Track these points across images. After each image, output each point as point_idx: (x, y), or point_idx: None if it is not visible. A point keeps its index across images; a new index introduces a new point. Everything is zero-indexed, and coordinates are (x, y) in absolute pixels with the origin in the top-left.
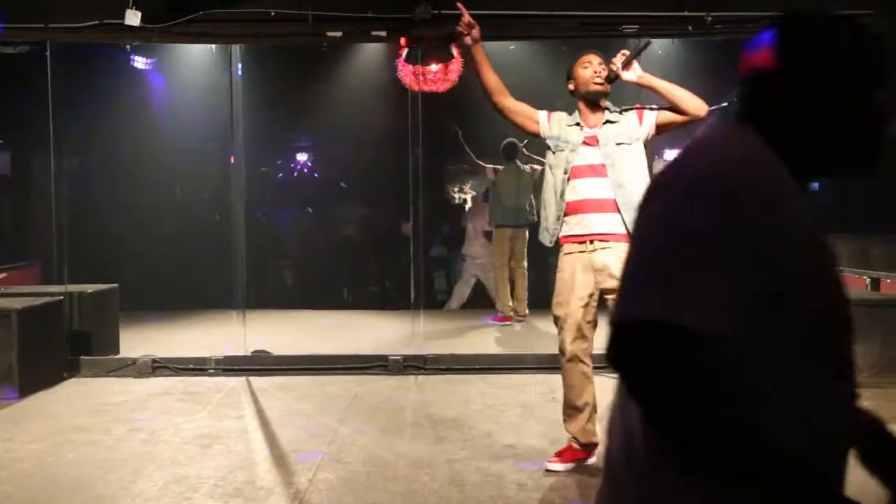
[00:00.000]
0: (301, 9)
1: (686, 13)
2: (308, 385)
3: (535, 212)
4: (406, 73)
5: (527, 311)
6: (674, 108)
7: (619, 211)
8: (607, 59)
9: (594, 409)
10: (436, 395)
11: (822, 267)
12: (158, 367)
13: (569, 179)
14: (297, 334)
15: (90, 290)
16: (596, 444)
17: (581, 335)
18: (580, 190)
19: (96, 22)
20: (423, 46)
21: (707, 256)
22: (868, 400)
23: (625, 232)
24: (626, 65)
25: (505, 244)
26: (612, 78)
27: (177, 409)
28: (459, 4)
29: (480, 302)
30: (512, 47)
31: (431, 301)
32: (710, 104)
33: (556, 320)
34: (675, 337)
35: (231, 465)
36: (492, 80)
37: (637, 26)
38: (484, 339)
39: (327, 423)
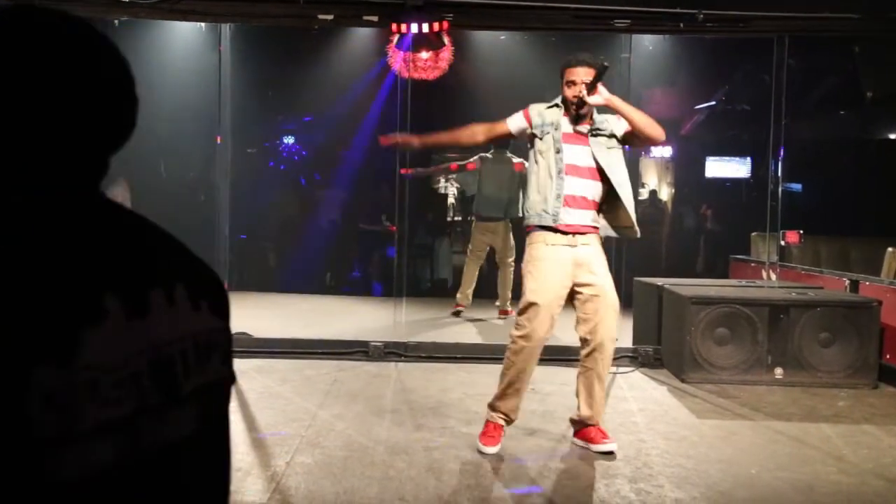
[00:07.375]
0: None
1: (678, 10)
2: (288, 368)
3: (520, 207)
4: (396, 59)
5: (508, 308)
6: (634, 131)
7: (599, 210)
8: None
9: None
10: (415, 382)
11: None
12: None
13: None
14: (278, 317)
15: None
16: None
17: (551, 325)
18: (571, 186)
19: None
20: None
21: None
22: (843, 400)
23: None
24: (591, 89)
25: (485, 237)
26: (581, 104)
27: None
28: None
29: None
30: (502, 37)
31: (413, 288)
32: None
33: (530, 307)
34: None
35: None
36: (453, 138)
37: (629, 21)
38: (464, 328)
39: (306, 407)
